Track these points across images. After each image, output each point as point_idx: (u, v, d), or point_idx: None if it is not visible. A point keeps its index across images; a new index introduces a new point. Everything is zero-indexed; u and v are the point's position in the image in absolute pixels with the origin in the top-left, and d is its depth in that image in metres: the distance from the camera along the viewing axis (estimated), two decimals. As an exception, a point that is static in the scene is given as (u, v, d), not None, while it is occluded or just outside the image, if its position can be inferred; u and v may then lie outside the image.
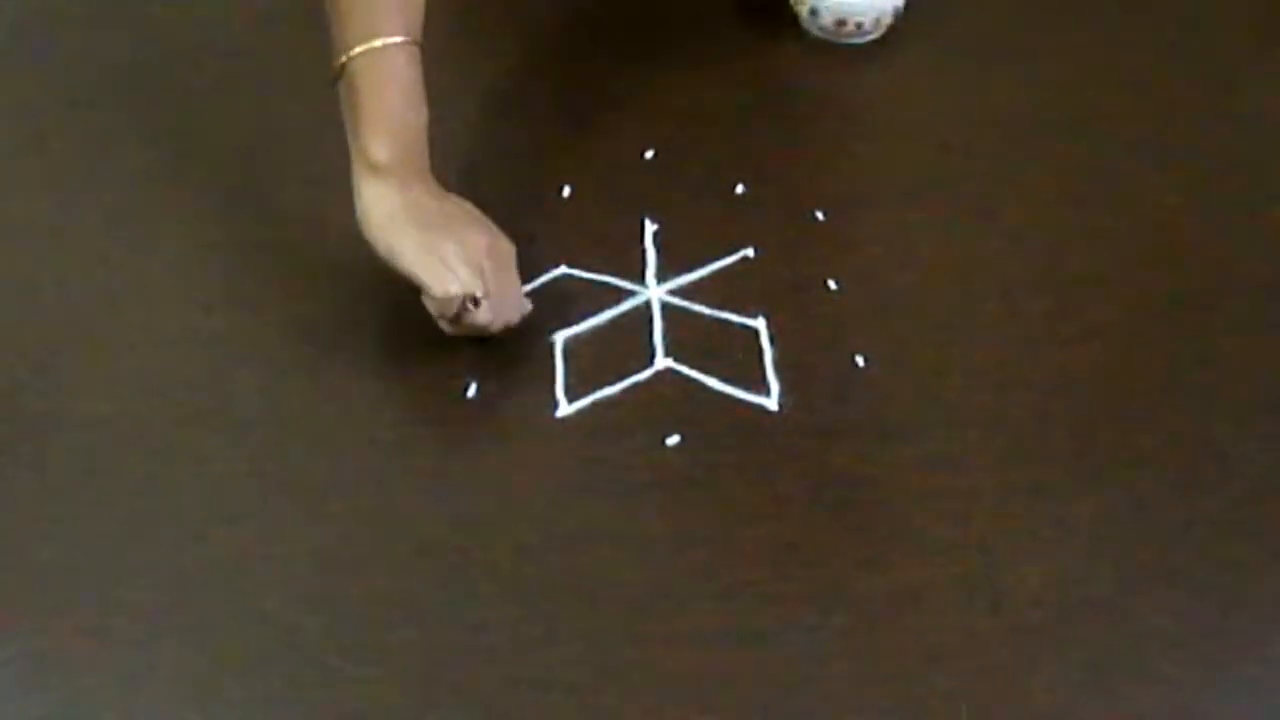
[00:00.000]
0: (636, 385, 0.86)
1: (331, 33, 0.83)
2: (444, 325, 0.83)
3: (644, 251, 0.93)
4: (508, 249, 0.85)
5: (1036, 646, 0.74)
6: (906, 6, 1.07)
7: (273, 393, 0.86)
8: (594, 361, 0.87)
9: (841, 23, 1.06)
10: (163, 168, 1.00)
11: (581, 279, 0.91)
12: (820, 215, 0.96)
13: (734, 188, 0.98)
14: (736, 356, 0.87)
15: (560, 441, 0.84)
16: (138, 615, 0.76)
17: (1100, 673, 0.73)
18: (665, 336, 0.88)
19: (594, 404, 0.85)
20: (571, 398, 0.85)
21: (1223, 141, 1.01)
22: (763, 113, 1.04)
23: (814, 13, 1.07)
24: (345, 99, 0.83)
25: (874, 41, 1.08)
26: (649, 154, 1.00)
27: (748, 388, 0.85)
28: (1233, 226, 0.95)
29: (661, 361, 0.87)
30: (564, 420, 0.84)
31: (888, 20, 1.07)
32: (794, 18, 1.09)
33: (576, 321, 0.88)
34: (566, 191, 0.97)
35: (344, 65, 0.82)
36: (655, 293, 0.91)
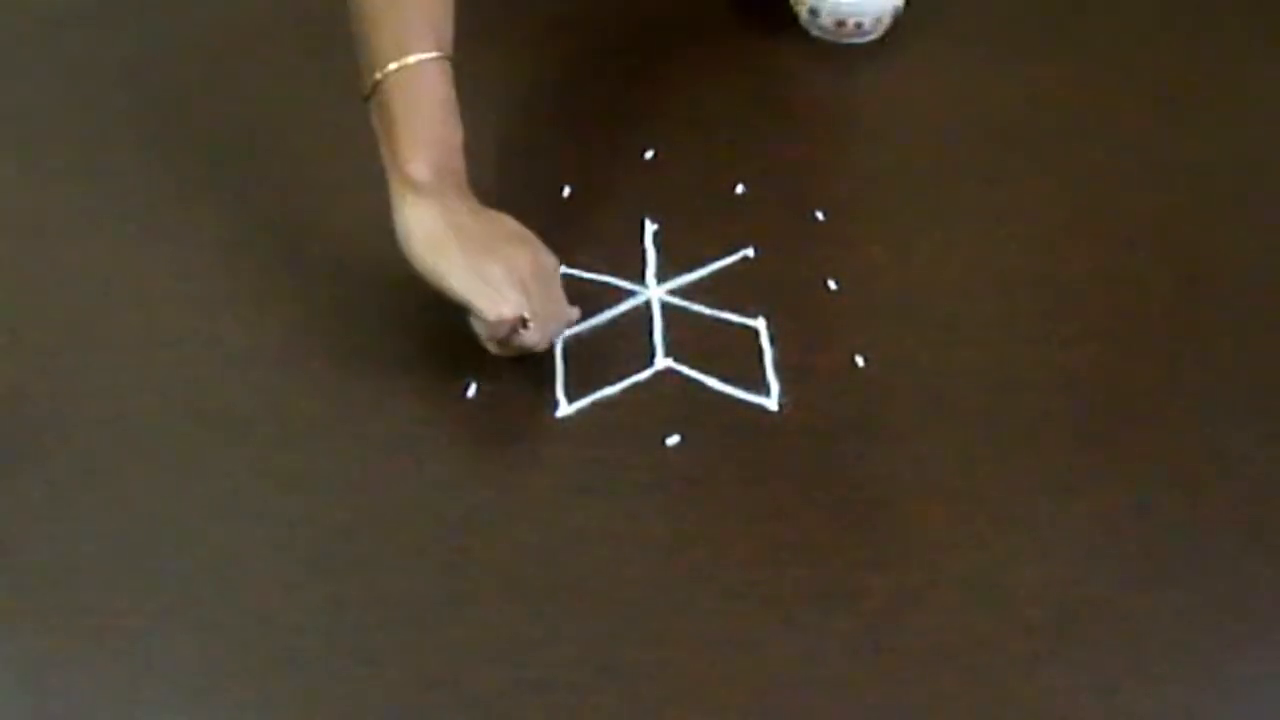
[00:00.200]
0: (636, 385, 0.86)
1: (362, 50, 0.82)
2: (490, 346, 0.83)
3: (644, 251, 0.93)
4: (551, 264, 0.84)
5: (1036, 646, 0.74)
6: (906, 6, 1.07)
7: (273, 393, 0.86)
8: (594, 361, 0.87)
9: (841, 23, 1.06)
10: (163, 169, 1.00)
11: (581, 279, 0.91)
12: (820, 215, 0.96)
13: (734, 188, 0.98)
14: (736, 356, 0.87)
15: (560, 441, 0.84)
16: (138, 615, 0.76)
17: (1100, 673, 0.73)
18: (665, 336, 0.88)
19: (594, 404, 0.85)
20: (571, 398, 0.85)
21: (1223, 141, 1.01)
22: (763, 113, 1.04)
23: (814, 13, 1.07)
24: (379, 117, 0.81)
25: (874, 41, 1.08)
26: (649, 154, 1.00)
27: (748, 388, 0.85)
28: (1233, 226, 0.95)
29: (661, 361, 0.87)
30: (564, 420, 0.84)
31: (888, 20, 1.07)
32: (794, 18, 1.09)
33: (576, 321, 0.88)
34: (566, 191, 0.97)
35: (377, 83, 0.80)
36: (655, 293, 0.91)
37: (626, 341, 0.88)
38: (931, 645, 0.74)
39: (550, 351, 0.86)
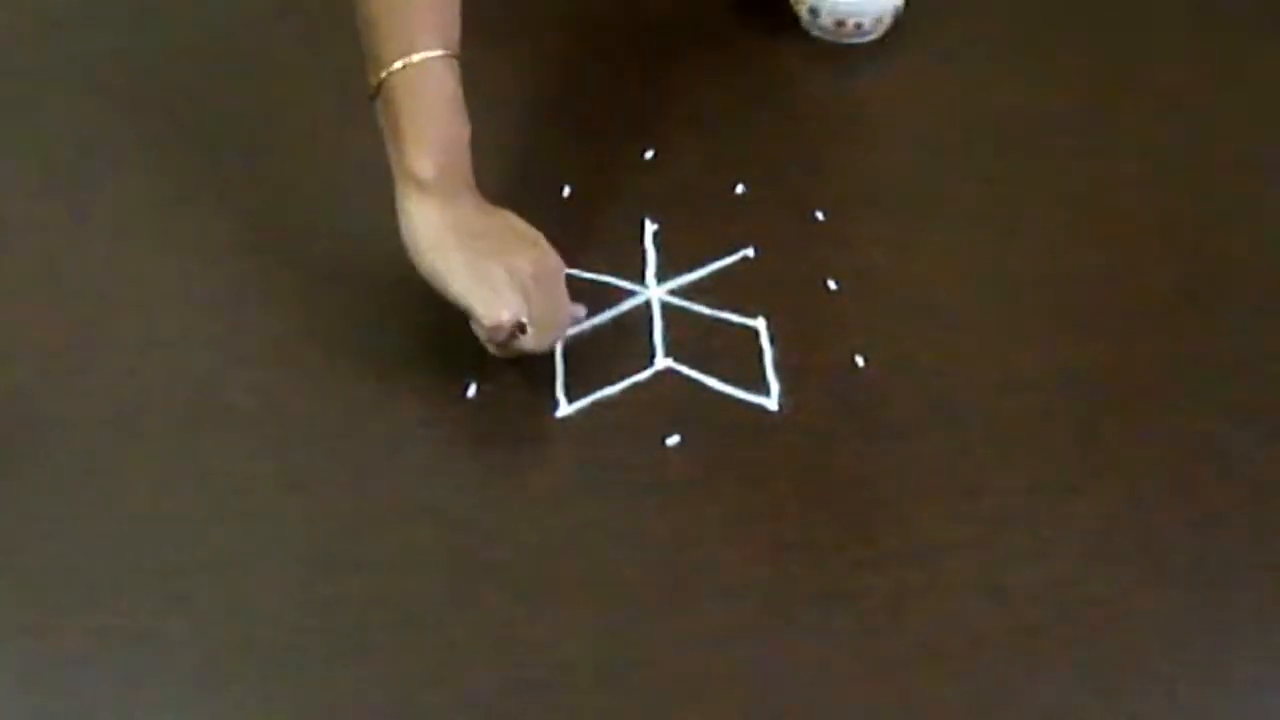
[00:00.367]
0: (636, 385, 0.86)
1: (368, 48, 0.81)
2: (491, 348, 0.83)
3: (644, 251, 0.93)
4: (555, 264, 0.83)
5: (1036, 646, 0.74)
6: (906, 6, 1.07)
7: (273, 393, 0.86)
8: (594, 361, 0.87)
9: (841, 23, 1.06)
10: (164, 169, 1.00)
11: (582, 279, 0.91)
12: (820, 215, 0.96)
13: (734, 188, 0.98)
14: (736, 356, 0.87)
15: (560, 441, 0.84)
16: (138, 615, 0.76)
17: (1100, 673, 0.73)
18: (665, 336, 0.88)
19: (594, 404, 0.85)
20: (571, 398, 0.85)
21: (1224, 139, 1.01)
22: (763, 113, 1.04)
23: (814, 13, 1.07)
24: (385, 115, 0.81)
25: (874, 41, 1.08)
26: (649, 154, 1.00)
27: (747, 388, 0.85)
28: (1234, 225, 0.95)
29: (661, 361, 0.87)
30: (564, 420, 0.84)
31: (888, 20, 1.07)
32: (794, 18, 1.09)
33: (582, 320, 0.88)
34: (566, 191, 0.97)
35: (383, 81, 0.80)
36: (655, 293, 0.91)
37: (626, 341, 0.88)
38: (931, 645, 0.74)
39: (550, 352, 0.86)
